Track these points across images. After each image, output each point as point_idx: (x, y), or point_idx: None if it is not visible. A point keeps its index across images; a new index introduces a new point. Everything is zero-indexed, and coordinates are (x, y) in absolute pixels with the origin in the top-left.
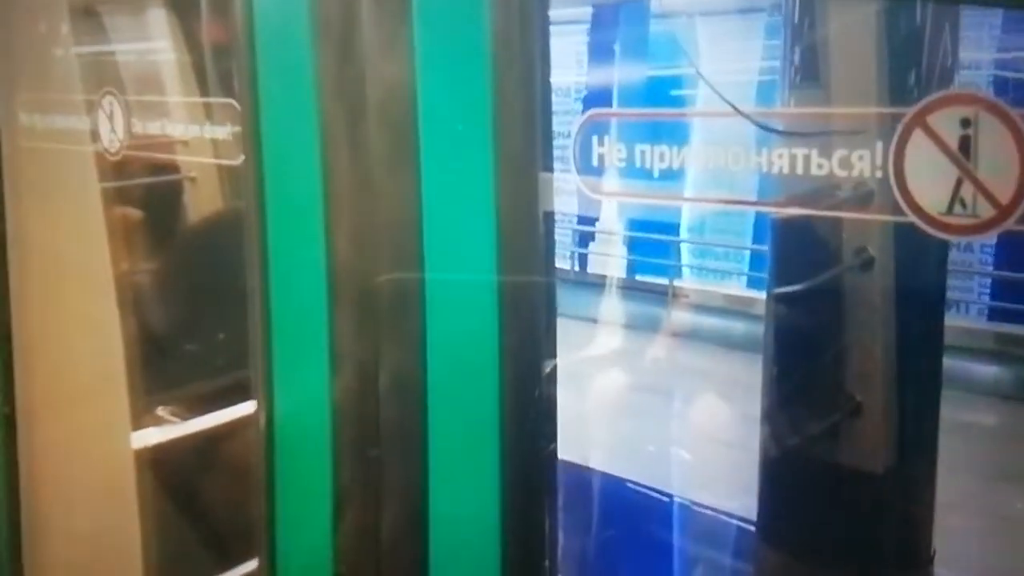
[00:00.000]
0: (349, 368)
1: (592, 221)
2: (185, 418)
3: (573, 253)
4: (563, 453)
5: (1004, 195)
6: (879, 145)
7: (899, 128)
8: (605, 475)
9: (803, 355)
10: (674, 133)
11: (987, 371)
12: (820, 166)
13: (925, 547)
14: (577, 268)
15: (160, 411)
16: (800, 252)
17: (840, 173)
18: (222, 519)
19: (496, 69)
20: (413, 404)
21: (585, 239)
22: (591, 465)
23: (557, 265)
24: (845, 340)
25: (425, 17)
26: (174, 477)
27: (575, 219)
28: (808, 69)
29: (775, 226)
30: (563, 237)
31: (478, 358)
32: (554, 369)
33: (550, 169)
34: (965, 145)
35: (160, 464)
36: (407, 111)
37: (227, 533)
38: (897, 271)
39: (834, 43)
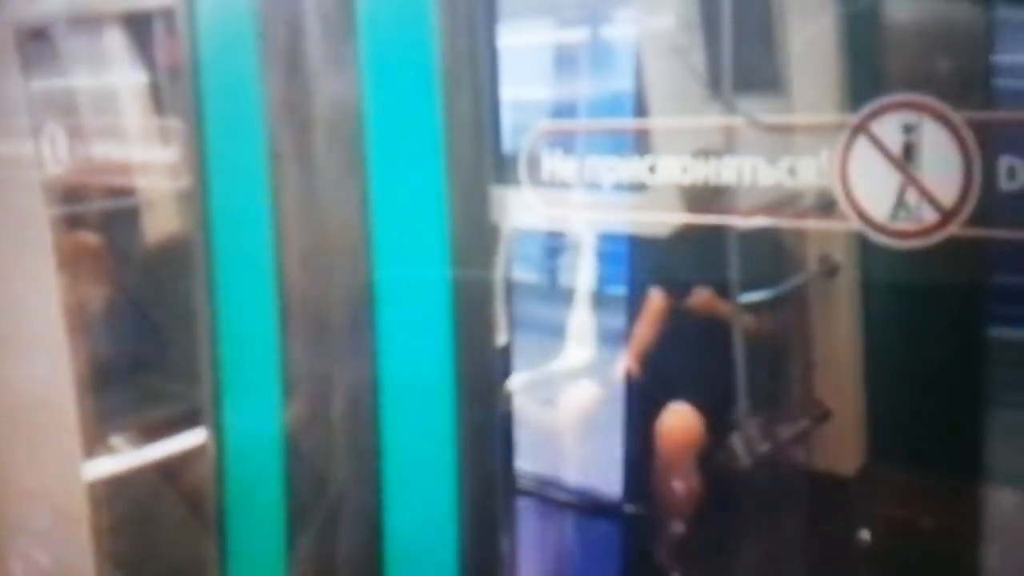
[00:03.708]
0: (301, 392)
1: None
2: (139, 447)
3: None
4: (535, 467)
5: (947, 199)
6: (824, 153)
7: (843, 136)
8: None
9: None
10: (624, 145)
11: None
12: (768, 176)
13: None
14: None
15: (113, 440)
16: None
17: (787, 182)
18: (179, 552)
19: (445, 84)
20: (368, 421)
21: (554, 252)
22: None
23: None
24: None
25: (372, 33)
26: (128, 508)
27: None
28: (756, 77)
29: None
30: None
31: (434, 377)
32: (512, 385)
33: (503, 182)
34: (908, 151)
35: (114, 495)
36: (355, 128)
37: (185, 567)
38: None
39: (785, 51)
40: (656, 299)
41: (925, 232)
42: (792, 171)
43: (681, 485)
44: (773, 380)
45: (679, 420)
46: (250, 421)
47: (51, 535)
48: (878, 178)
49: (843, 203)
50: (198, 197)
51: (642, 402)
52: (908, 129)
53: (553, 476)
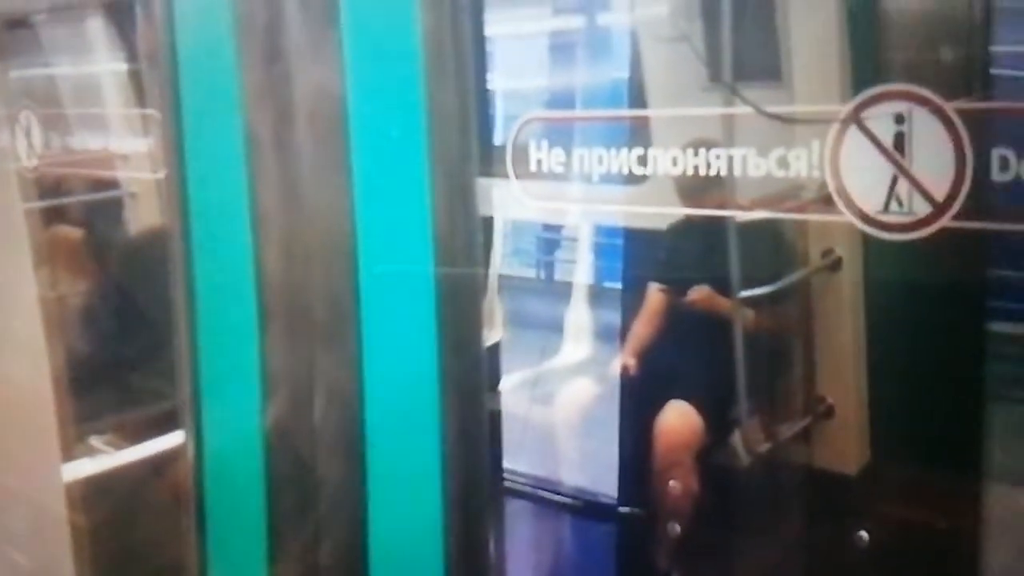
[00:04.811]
0: (282, 389)
1: (544, 227)
2: (119, 447)
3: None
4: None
5: (939, 192)
6: (816, 145)
7: (834, 126)
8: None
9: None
10: (613, 136)
11: None
12: (757, 167)
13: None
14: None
15: (93, 440)
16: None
17: (778, 173)
18: (160, 553)
19: (429, 72)
20: (351, 421)
21: (549, 246)
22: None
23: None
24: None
25: (354, 20)
26: (107, 509)
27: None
28: (749, 66)
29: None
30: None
31: (418, 373)
32: (499, 382)
33: (489, 173)
34: (899, 142)
35: (92, 496)
36: (337, 116)
37: (166, 568)
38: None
39: (778, 41)
40: (654, 295)
41: (917, 225)
42: (783, 163)
43: (680, 484)
44: (774, 377)
45: (678, 418)
46: (230, 420)
47: (30, 536)
48: (870, 170)
49: (836, 195)
50: (175, 189)
51: (639, 400)
52: (900, 119)
53: (546, 476)
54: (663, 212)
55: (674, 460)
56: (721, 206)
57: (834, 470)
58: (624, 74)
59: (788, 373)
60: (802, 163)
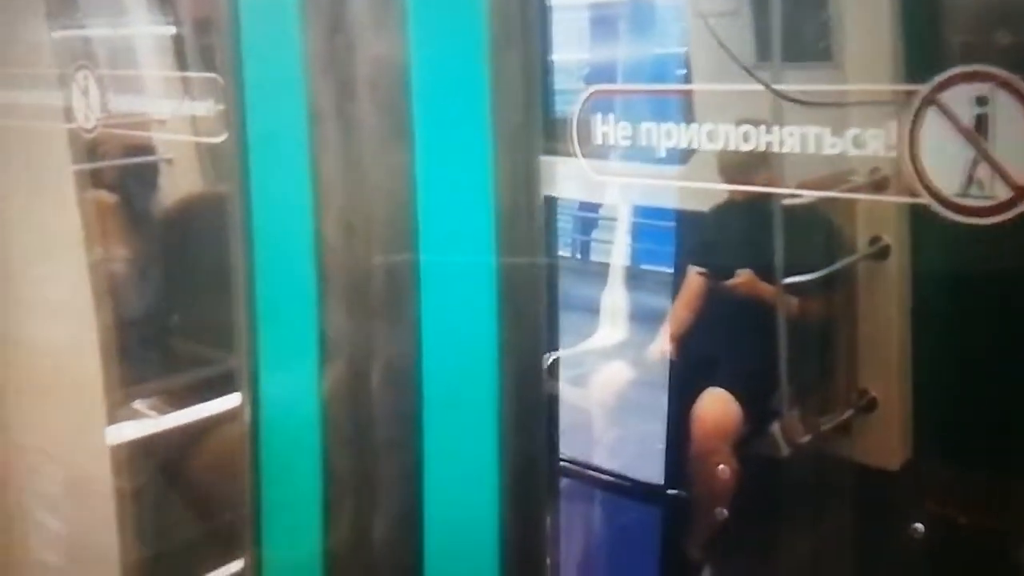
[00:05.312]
0: (340, 357)
1: (596, 207)
2: (164, 412)
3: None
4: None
5: (1021, 175)
6: (893, 124)
7: (912, 106)
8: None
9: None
10: (680, 110)
11: None
12: (833, 145)
13: None
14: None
15: (138, 404)
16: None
17: (853, 152)
18: (203, 519)
19: (494, 44)
20: (408, 394)
21: (589, 226)
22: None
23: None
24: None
25: None
26: (153, 474)
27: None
28: (819, 43)
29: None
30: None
31: (476, 345)
32: (556, 358)
33: (551, 150)
34: (981, 124)
35: (138, 460)
36: (400, 87)
37: (209, 533)
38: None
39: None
40: (695, 278)
41: (997, 209)
42: (859, 142)
43: (716, 473)
44: (816, 367)
45: (716, 406)
46: (288, 387)
47: (69, 501)
48: (948, 152)
49: (911, 178)
50: (236, 156)
51: (679, 386)
52: (982, 101)
53: (589, 457)
54: (725, 191)
55: (710, 448)
56: (777, 185)
57: (875, 465)
58: (696, 46)
59: (830, 364)
60: (878, 143)
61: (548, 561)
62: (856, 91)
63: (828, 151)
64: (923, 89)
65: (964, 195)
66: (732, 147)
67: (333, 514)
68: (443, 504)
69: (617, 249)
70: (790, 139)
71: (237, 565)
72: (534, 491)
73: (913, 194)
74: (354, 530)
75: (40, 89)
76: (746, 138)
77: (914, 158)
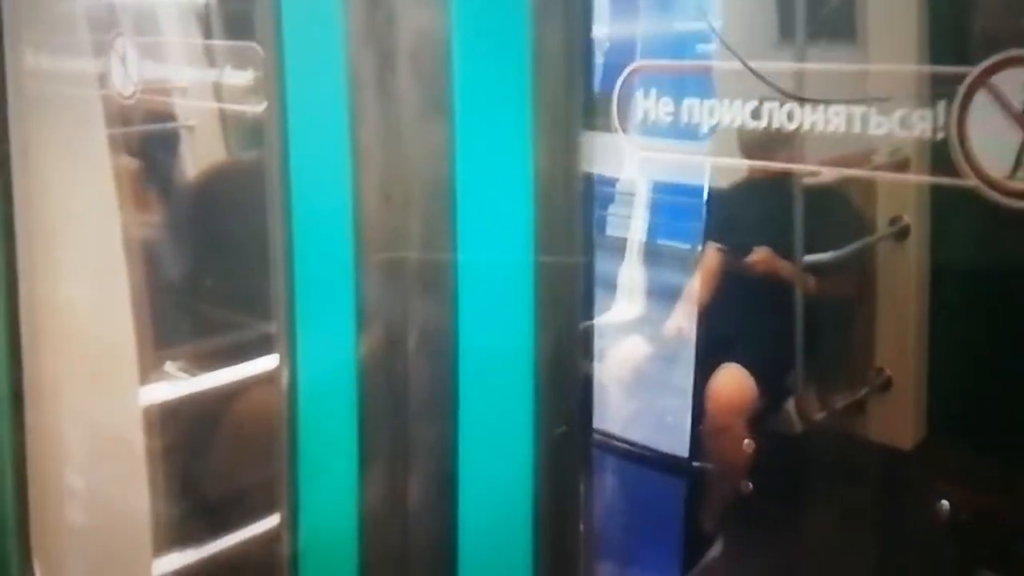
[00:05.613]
0: (377, 325)
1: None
2: (195, 374)
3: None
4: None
5: None
6: (941, 106)
7: (962, 89)
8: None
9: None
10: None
11: None
12: (879, 125)
13: None
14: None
15: (169, 367)
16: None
17: (901, 134)
18: (234, 479)
19: (536, 17)
20: (444, 363)
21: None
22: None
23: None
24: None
25: None
26: (185, 435)
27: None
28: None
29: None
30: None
31: (512, 317)
32: (592, 333)
33: (591, 126)
34: None
35: (171, 422)
36: (440, 60)
37: (238, 494)
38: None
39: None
40: (713, 254)
41: None
42: (906, 123)
43: (731, 448)
44: (832, 344)
45: (731, 381)
46: (325, 352)
47: (102, 461)
48: (997, 135)
49: (959, 158)
50: (275, 124)
51: (702, 361)
52: None
53: (613, 428)
54: (768, 168)
55: (725, 423)
56: (810, 163)
57: (888, 443)
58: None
59: (846, 342)
60: (927, 124)
61: (582, 528)
62: (904, 71)
63: (874, 131)
64: (974, 71)
65: (1012, 178)
66: (775, 126)
67: (368, 478)
68: (478, 469)
69: (645, 226)
70: (836, 118)
71: (266, 526)
72: (569, 458)
73: (960, 176)
74: (389, 493)
75: (78, 56)
76: (790, 117)
77: (962, 140)
